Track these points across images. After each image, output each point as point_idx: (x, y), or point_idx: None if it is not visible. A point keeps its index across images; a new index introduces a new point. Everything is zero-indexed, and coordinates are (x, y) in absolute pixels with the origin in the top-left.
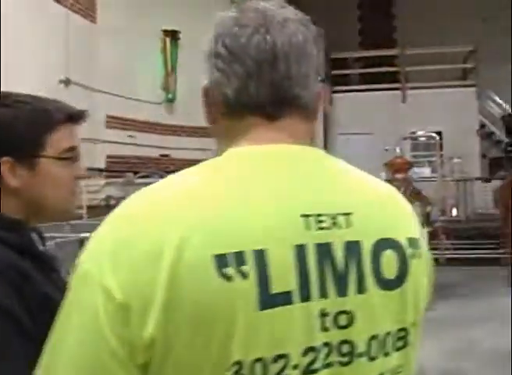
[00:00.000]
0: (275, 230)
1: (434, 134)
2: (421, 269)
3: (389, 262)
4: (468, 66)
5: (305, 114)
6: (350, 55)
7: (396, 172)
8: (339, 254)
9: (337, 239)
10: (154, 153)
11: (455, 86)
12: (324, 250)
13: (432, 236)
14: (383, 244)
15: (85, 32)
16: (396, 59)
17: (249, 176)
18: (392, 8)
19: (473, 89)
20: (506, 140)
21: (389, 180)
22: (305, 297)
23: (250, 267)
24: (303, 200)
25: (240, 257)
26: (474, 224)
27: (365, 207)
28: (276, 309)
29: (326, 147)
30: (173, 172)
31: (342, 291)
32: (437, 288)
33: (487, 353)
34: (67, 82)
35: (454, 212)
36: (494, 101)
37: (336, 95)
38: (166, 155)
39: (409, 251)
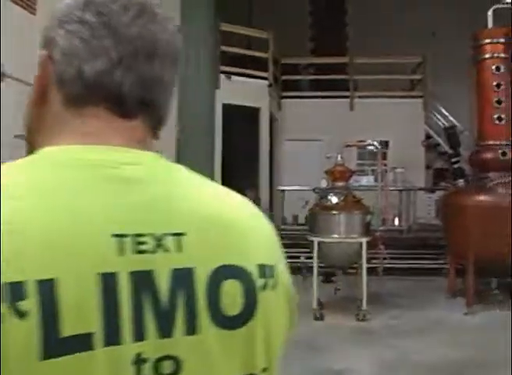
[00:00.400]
0: (72, 254)
1: (375, 143)
2: (276, 303)
3: (232, 295)
4: (416, 77)
5: (157, 118)
6: (299, 61)
7: (337, 180)
8: (163, 285)
9: (162, 266)
10: None
11: (403, 97)
12: (142, 279)
13: (372, 246)
14: (224, 272)
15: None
16: (347, 67)
17: (55, 185)
18: (345, 17)
19: (420, 100)
20: (450, 151)
21: (329, 188)
22: (112, 340)
23: (30, 303)
24: (117, 216)
25: (16, 289)
26: (416, 234)
27: (204, 226)
28: (67, 358)
29: (272, 152)
30: None
31: (165, 332)
32: (375, 298)
33: (417, 366)
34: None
35: (396, 221)
36: (440, 113)
37: (285, 101)
38: None
39: (259, 281)
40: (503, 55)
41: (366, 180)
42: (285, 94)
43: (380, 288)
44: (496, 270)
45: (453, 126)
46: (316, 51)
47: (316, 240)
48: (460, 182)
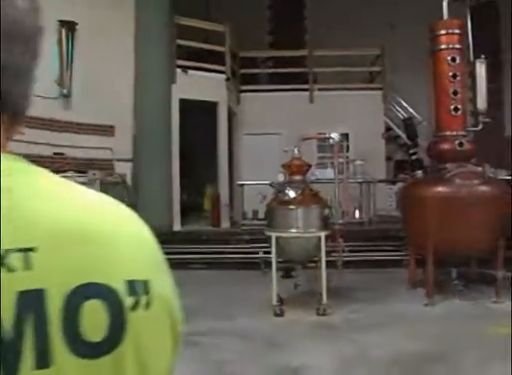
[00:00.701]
0: None
1: (333, 135)
2: (152, 324)
3: (94, 318)
4: (375, 69)
5: (12, 113)
6: (258, 55)
7: (294, 173)
8: (6, 311)
9: (6, 288)
10: (48, 151)
11: (362, 89)
12: None
13: (331, 239)
14: (84, 291)
15: None
16: (306, 60)
17: None
18: (304, 10)
19: (379, 92)
20: (409, 143)
21: (286, 182)
22: None
23: None
24: None
25: None
26: (377, 226)
27: (59, 240)
28: None
29: (231, 147)
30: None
31: (10, 367)
32: (335, 292)
33: (377, 361)
34: None
35: (357, 214)
36: (400, 105)
37: (243, 95)
38: (61, 154)
39: (128, 299)
40: (458, 45)
41: (327, 173)
42: (244, 87)
43: (341, 282)
44: (455, 260)
45: (411, 118)
46: (275, 44)
47: (274, 235)
48: (419, 173)
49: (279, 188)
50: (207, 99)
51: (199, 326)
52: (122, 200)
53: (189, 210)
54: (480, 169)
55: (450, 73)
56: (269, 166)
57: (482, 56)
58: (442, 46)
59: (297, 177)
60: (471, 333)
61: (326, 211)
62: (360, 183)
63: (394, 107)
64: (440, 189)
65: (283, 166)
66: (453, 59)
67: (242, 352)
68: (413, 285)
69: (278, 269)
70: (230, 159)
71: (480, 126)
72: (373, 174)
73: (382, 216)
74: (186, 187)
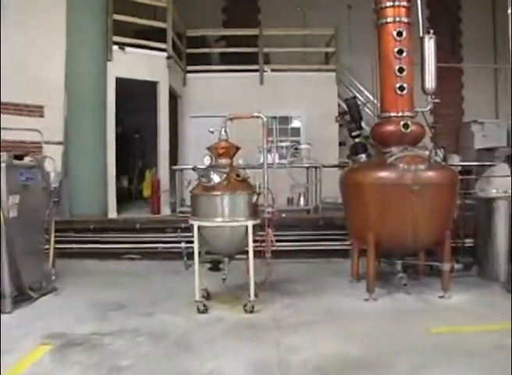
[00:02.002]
0: None
1: (262, 115)
2: None
3: None
4: (330, 49)
5: None
6: (205, 33)
7: (221, 156)
8: None
9: None
10: None
11: (317, 70)
12: None
13: (263, 228)
14: None
15: None
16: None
17: None
18: None
19: (333, 74)
20: (351, 125)
21: (211, 166)
22: None
23: None
24: None
25: None
26: (323, 214)
27: None
28: None
29: (177, 131)
30: None
31: None
32: (271, 285)
33: (298, 368)
34: None
35: (302, 201)
36: (355, 88)
37: (190, 76)
38: None
39: None
40: (405, 19)
41: (273, 158)
42: (190, 68)
43: (281, 273)
44: (398, 252)
45: (354, 97)
46: (228, 23)
47: (196, 224)
48: (362, 157)
49: (203, 173)
50: (146, 78)
51: (113, 324)
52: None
53: (129, 197)
54: (427, 153)
55: (396, 49)
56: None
57: (431, 31)
58: (388, 19)
59: (224, 161)
60: (410, 333)
61: (255, 198)
62: (307, 168)
63: (349, 89)
64: (381, 175)
65: (209, 148)
66: (400, 34)
67: (146, 357)
68: (357, 277)
69: (204, 261)
70: (176, 143)
71: (428, 108)
72: (325, 159)
73: (329, 203)
74: (127, 172)
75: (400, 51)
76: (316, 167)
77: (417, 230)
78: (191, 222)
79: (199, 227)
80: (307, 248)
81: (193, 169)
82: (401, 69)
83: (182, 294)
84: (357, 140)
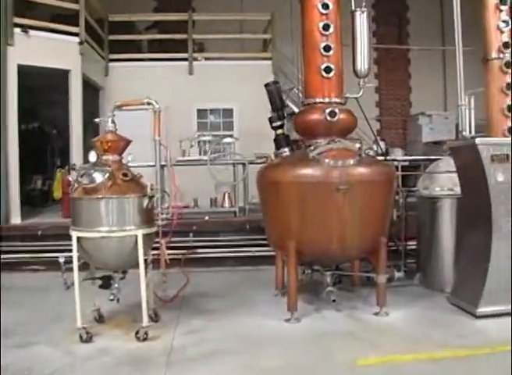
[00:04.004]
0: None
1: (152, 102)
2: None
3: None
4: (265, 36)
5: None
6: (129, 18)
7: (107, 152)
8: None
9: None
10: None
11: (252, 58)
12: None
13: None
14: None
15: None
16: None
17: None
18: None
19: (269, 62)
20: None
21: (95, 164)
22: None
23: None
24: None
25: None
26: (250, 216)
27: None
28: None
29: (98, 125)
30: None
31: None
32: (181, 301)
33: None
34: None
35: (226, 202)
36: (295, 77)
37: (113, 65)
38: None
39: None
40: None
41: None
42: (112, 57)
43: (199, 285)
44: (324, 262)
45: (275, 82)
46: (159, 9)
47: (75, 235)
48: (285, 152)
49: (83, 172)
50: (55, 66)
51: None
52: None
53: (45, 199)
54: (358, 145)
55: (321, 24)
56: (141, 146)
57: (364, 5)
58: None
59: (110, 157)
60: (332, 366)
61: (146, 202)
62: (233, 165)
63: (288, 79)
64: (302, 172)
65: (93, 142)
66: (325, 6)
67: None
68: (282, 290)
69: (93, 277)
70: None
71: (360, 93)
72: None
73: (256, 204)
74: (43, 172)
75: (326, 27)
76: (243, 164)
77: (345, 237)
78: (71, 232)
79: (80, 238)
80: (232, 254)
81: (73, 167)
82: (327, 48)
83: (82, 314)
84: (278, 131)
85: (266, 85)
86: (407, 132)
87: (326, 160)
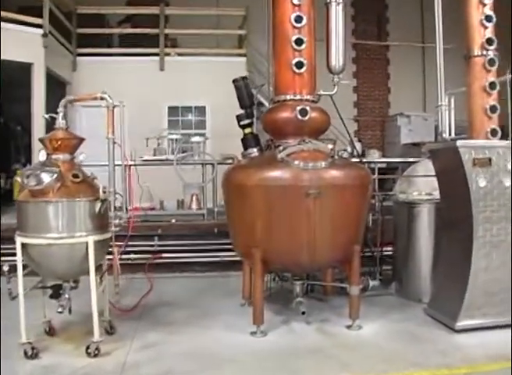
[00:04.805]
0: None
1: (105, 96)
2: None
3: None
4: (240, 32)
5: None
6: (97, 11)
7: (57, 150)
8: None
9: None
10: None
11: (225, 55)
12: None
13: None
14: None
15: None
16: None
17: None
18: None
19: (243, 59)
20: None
21: (42, 163)
22: None
23: None
24: None
25: None
26: (220, 220)
27: None
28: None
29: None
30: None
31: None
32: (142, 311)
33: None
34: None
35: (194, 204)
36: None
37: (81, 59)
38: None
39: None
40: None
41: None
42: (80, 51)
43: (164, 293)
44: (293, 271)
45: (244, 78)
46: (132, 3)
47: (19, 240)
48: (254, 152)
49: (29, 172)
50: (15, 59)
51: None
52: None
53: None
54: (330, 146)
55: (293, 15)
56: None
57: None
58: None
59: (61, 156)
60: None
61: (98, 205)
62: (202, 165)
63: (263, 76)
64: (269, 175)
65: (41, 140)
66: None
67: None
68: (249, 300)
69: (43, 287)
70: None
71: (335, 90)
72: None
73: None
74: (6, 170)
75: (299, 19)
76: (212, 164)
77: (316, 245)
78: (15, 237)
79: (26, 245)
80: (200, 259)
81: (17, 168)
82: (299, 41)
83: (31, 326)
84: (247, 130)
85: (234, 81)
86: (385, 133)
87: (296, 162)
